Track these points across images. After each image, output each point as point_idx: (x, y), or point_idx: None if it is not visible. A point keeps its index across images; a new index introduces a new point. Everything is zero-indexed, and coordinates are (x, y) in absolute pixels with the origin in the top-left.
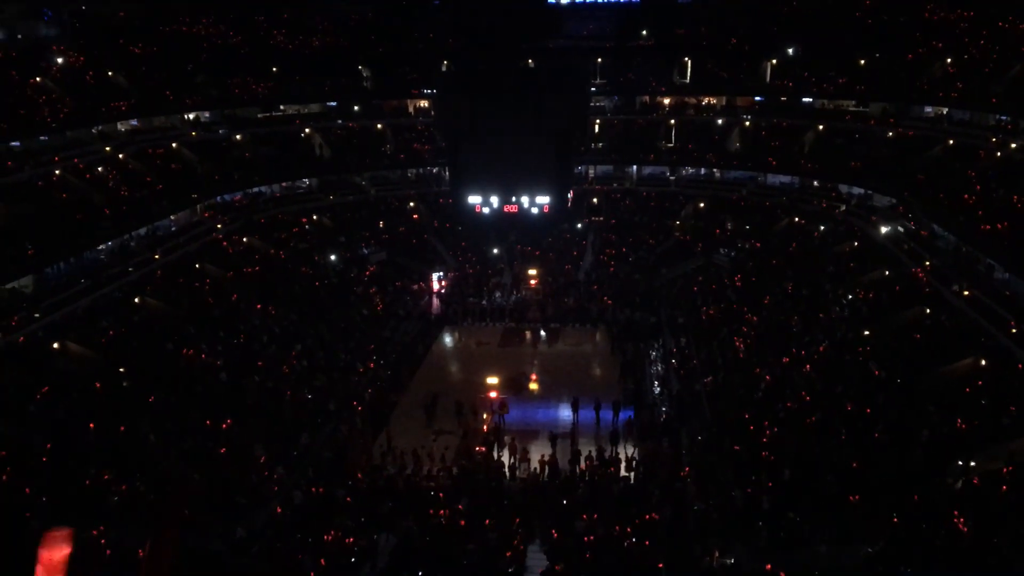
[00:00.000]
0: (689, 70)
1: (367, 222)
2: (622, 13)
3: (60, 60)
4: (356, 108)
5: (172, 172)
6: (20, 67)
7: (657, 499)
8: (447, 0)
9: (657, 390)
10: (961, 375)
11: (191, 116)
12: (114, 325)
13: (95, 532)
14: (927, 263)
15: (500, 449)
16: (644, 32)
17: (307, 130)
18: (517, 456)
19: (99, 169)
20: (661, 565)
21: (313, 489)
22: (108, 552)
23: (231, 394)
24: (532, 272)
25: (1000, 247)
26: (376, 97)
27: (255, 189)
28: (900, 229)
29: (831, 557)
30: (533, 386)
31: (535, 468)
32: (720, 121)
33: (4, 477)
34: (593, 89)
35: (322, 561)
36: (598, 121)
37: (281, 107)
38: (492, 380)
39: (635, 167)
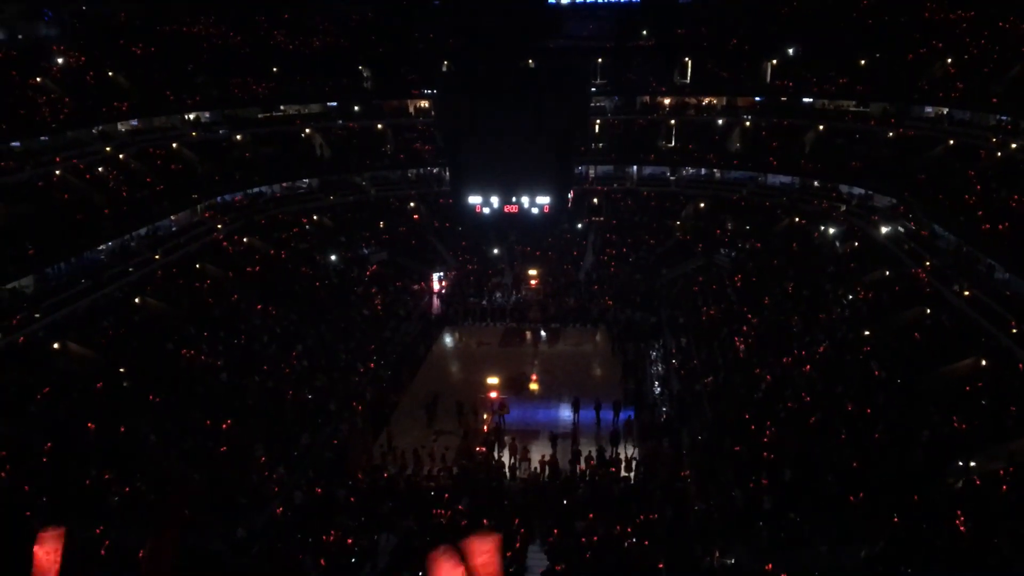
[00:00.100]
0: (689, 70)
1: (367, 222)
2: (622, 13)
3: (60, 60)
4: (356, 108)
5: (172, 172)
6: (20, 67)
7: (658, 499)
8: (447, 0)
9: (658, 390)
10: (961, 375)
11: (191, 116)
12: (114, 325)
13: (95, 532)
14: (928, 263)
15: (500, 449)
16: (644, 32)
17: (307, 130)
18: (517, 456)
19: (99, 169)
20: (661, 565)
21: (314, 489)
22: (108, 552)
23: (231, 394)
24: (532, 272)
25: (1001, 247)
26: (376, 97)
27: (255, 189)
28: (901, 229)
29: (831, 557)
30: (533, 386)
31: (535, 468)
32: (720, 121)
33: (4, 476)
34: (593, 89)
35: (322, 561)
36: (598, 121)
37: (281, 107)
38: (492, 380)
39: (635, 167)
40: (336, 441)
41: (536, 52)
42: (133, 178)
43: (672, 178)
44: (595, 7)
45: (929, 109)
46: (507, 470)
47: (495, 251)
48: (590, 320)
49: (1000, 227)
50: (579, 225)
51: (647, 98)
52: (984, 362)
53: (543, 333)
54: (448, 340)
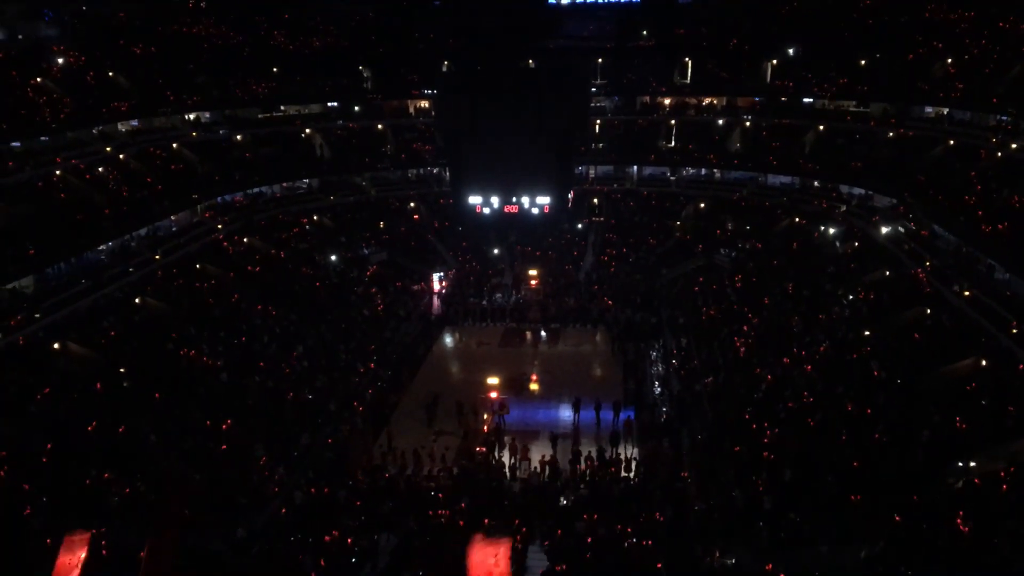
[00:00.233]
0: (689, 70)
1: (367, 222)
2: (622, 13)
3: (60, 60)
4: (356, 108)
5: (173, 172)
6: (20, 67)
7: (658, 499)
8: (447, 0)
9: (658, 390)
10: (962, 375)
11: (192, 116)
12: (115, 325)
13: (95, 532)
14: (928, 263)
15: (501, 449)
16: (644, 32)
17: (308, 130)
18: (518, 456)
19: (99, 169)
20: (661, 565)
21: (314, 489)
22: (108, 552)
23: (232, 394)
24: (533, 272)
25: (1001, 247)
26: (376, 97)
27: (256, 189)
28: (901, 229)
29: (832, 557)
30: (533, 386)
31: (536, 468)
32: (720, 121)
33: (4, 476)
34: (593, 89)
35: (323, 561)
36: (598, 121)
37: (282, 107)
38: (493, 380)
39: (635, 167)
40: (336, 441)
41: (536, 52)
42: (133, 178)
43: (672, 178)
44: (595, 7)
45: (929, 109)
46: (507, 470)
47: (495, 251)
48: (590, 320)
49: (1000, 227)
50: (579, 225)
51: (647, 98)
52: (984, 362)
53: (543, 333)
54: (448, 340)
